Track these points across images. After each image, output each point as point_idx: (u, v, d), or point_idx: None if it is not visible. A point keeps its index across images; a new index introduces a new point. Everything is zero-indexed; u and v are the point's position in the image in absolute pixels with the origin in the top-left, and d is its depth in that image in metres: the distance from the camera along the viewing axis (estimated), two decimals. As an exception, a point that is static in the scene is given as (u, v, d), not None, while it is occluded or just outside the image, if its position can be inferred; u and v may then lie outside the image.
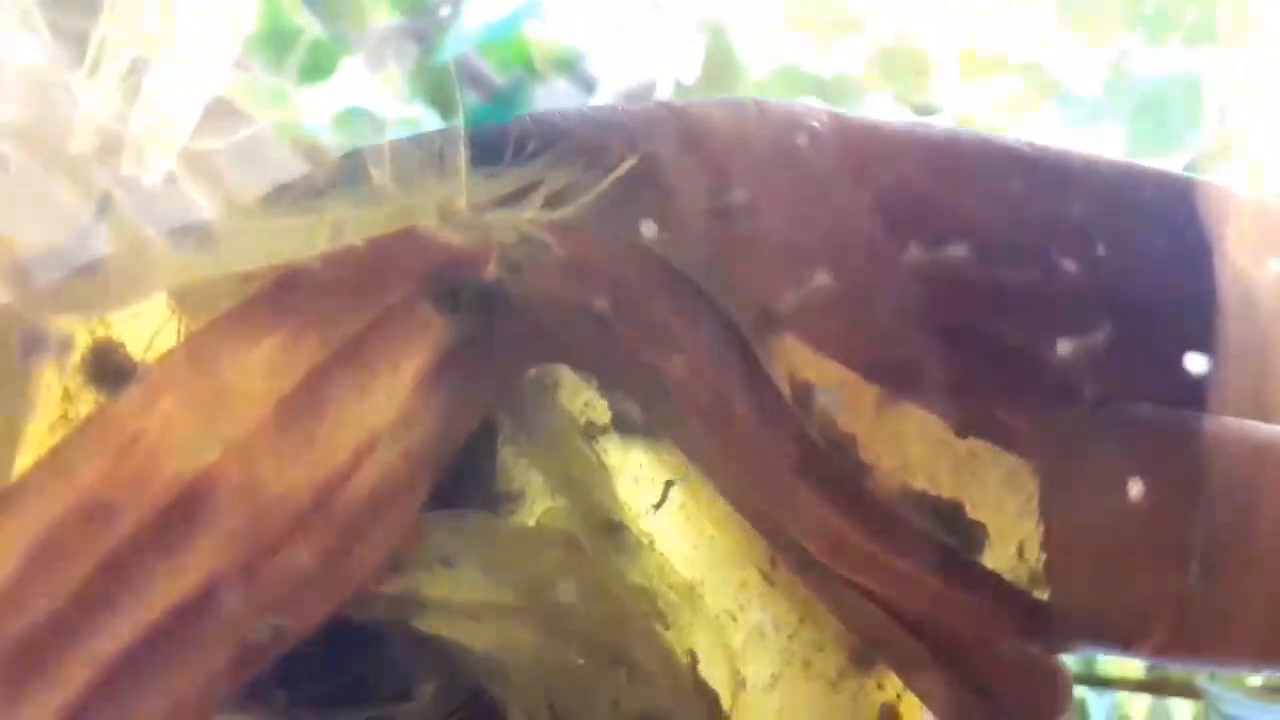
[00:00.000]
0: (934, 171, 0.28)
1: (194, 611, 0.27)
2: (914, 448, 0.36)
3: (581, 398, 0.37)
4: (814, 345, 0.32)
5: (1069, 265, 0.27)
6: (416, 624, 0.32)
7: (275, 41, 0.73)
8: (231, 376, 0.29)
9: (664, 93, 0.84)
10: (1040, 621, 0.31)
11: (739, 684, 0.35)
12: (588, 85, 0.87)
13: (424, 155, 0.32)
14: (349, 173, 0.32)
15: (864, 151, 0.29)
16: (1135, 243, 0.27)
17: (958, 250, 0.28)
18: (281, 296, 0.30)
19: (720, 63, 0.77)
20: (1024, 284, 0.28)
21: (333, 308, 0.31)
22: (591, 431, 0.37)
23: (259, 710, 0.29)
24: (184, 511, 0.27)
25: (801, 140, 0.30)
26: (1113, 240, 0.27)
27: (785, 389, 0.36)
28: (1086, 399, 0.29)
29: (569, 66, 0.87)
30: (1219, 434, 0.25)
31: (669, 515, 0.36)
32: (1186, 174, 0.28)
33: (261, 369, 0.29)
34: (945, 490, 0.36)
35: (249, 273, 0.30)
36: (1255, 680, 0.57)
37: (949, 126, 0.30)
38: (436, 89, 0.82)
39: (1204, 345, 0.25)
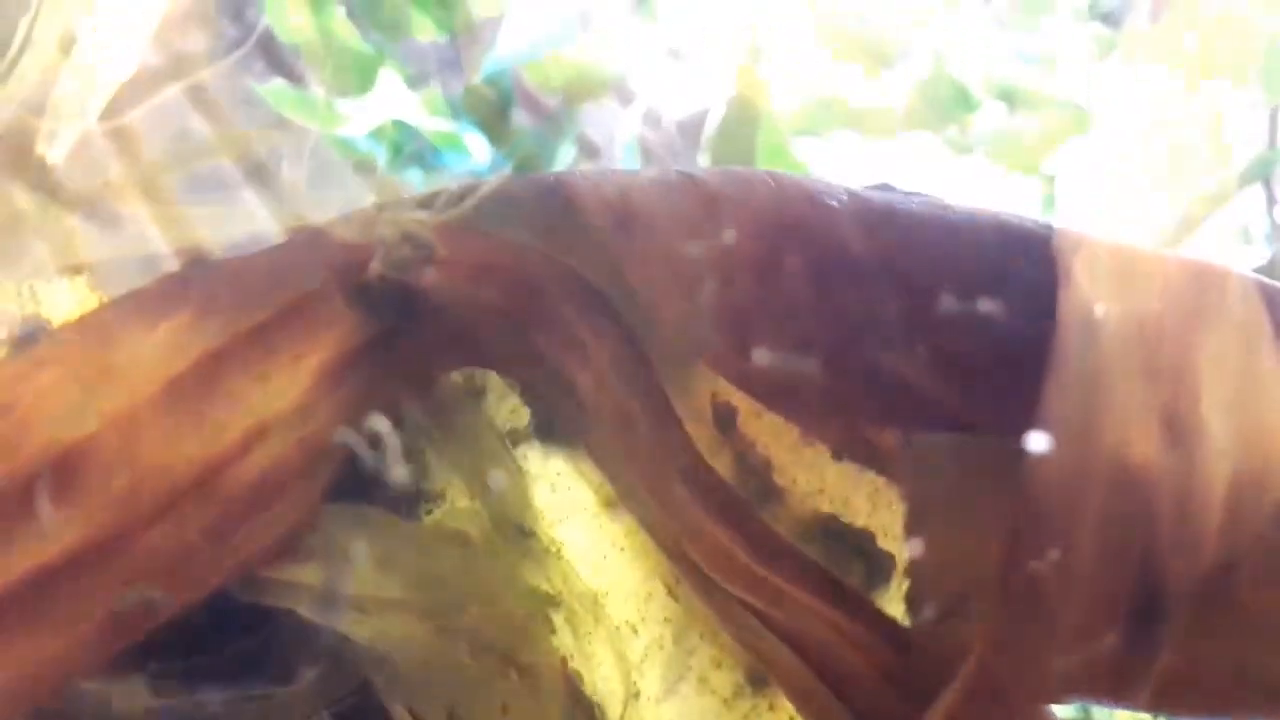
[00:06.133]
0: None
1: (59, 576, 0.28)
2: (831, 475, 0.36)
3: (508, 404, 0.37)
4: (708, 363, 0.33)
5: (938, 297, 0.27)
6: (301, 611, 0.32)
7: (317, 52, 0.74)
8: (122, 354, 0.30)
9: (713, 118, 0.85)
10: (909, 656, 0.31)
11: (633, 695, 0.35)
12: (632, 108, 0.88)
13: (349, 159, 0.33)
14: (267, 167, 0.33)
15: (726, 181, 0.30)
16: (1000, 282, 0.27)
17: (837, 281, 0.28)
18: (187, 282, 0.31)
19: (753, 92, 0.77)
20: (899, 314, 0.28)
21: (240, 296, 0.32)
22: (515, 438, 0.37)
23: (128, 679, 0.30)
24: (55, 478, 0.28)
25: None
26: (974, 279, 0.27)
27: (707, 408, 0.36)
28: (958, 427, 0.28)
29: (614, 89, 0.88)
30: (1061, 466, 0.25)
31: (582, 524, 0.37)
32: (1046, 223, 0.28)
33: (156, 349, 0.30)
34: (859, 518, 0.36)
35: (157, 256, 0.31)
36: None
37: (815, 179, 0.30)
38: (484, 109, 0.83)
39: (1043, 377, 0.25)
